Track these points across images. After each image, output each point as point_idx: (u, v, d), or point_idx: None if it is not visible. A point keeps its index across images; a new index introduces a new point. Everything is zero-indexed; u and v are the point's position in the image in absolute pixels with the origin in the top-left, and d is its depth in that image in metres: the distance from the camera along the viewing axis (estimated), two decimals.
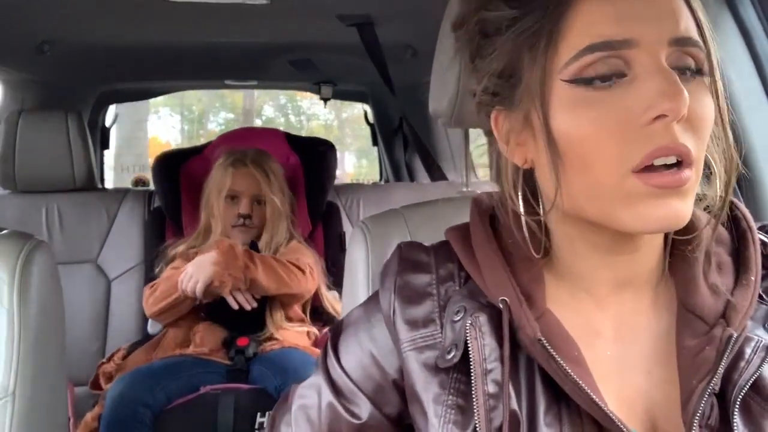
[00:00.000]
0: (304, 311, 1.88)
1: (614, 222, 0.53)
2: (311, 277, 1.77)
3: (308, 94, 3.39)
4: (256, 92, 8.02)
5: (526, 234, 0.58)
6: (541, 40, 0.53)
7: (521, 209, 0.58)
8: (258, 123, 9.59)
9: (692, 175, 0.51)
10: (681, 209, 0.51)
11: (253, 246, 1.81)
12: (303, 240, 1.92)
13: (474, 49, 0.60)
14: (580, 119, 0.52)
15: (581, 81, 0.52)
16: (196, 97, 9.14)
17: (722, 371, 0.53)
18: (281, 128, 2.82)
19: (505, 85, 0.57)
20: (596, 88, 0.51)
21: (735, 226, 0.61)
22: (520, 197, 0.59)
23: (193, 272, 1.67)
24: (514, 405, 0.55)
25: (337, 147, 2.26)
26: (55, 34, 1.90)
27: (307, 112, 10.23)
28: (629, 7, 0.51)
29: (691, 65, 0.53)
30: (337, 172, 2.24)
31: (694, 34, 0.53)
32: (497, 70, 0.57)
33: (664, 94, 0.49)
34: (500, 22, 0.55)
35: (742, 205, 0.61)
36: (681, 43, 0.52)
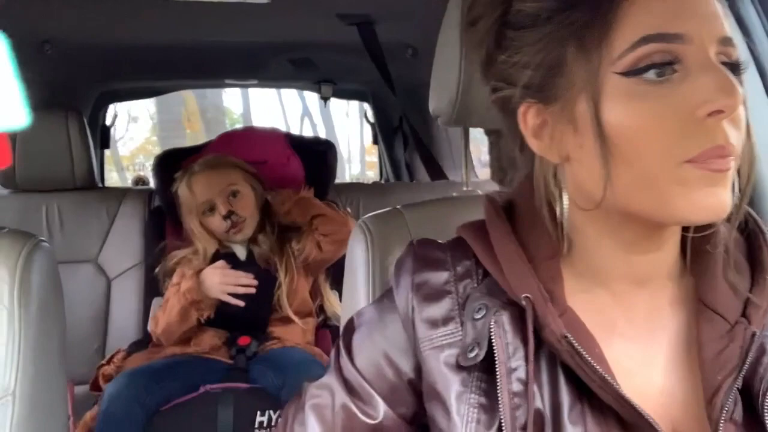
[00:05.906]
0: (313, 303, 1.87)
1: (668, 211, 0.52)
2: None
3: None
4: None
5: (566, 225, 0.57)
6: (592, 32, 0.52)
7: (566, 203, 0.57)
8: None
9: (734, 164, 0.52)
10: (726, 199, 0.52)
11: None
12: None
13: (494, 42, 0.58)
14: (634, 111, 0.51)
15: (636, 73, 0.51)
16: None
17: (747, 367, 0.53)
18: None
19: (542, 78, 0.55)
20: (650, 81, 0.51)
21: (746, 227, 0.61)
22: (564, 192, 0.58)
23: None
24: (539, 403, 0.54)
25: None
26: (56, 34, 1.90)
27: None
28: (682, 5, 0.52)
29: (728, 64, 0.53)
30: None
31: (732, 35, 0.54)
32: (535, 63, 0.55)
33: (721, 90, 0.50)
34: (538, 13, 0.55)
35: (751, 210, 0.62)
36: (726, 42, 0.53)
